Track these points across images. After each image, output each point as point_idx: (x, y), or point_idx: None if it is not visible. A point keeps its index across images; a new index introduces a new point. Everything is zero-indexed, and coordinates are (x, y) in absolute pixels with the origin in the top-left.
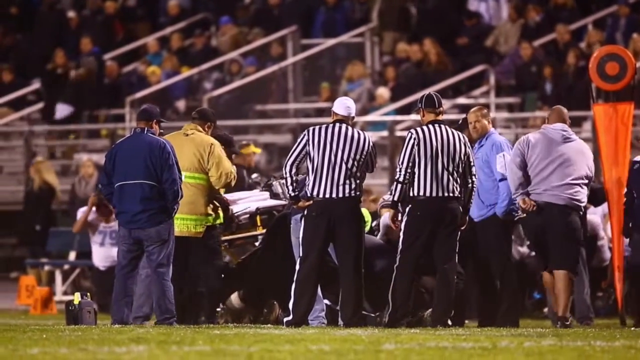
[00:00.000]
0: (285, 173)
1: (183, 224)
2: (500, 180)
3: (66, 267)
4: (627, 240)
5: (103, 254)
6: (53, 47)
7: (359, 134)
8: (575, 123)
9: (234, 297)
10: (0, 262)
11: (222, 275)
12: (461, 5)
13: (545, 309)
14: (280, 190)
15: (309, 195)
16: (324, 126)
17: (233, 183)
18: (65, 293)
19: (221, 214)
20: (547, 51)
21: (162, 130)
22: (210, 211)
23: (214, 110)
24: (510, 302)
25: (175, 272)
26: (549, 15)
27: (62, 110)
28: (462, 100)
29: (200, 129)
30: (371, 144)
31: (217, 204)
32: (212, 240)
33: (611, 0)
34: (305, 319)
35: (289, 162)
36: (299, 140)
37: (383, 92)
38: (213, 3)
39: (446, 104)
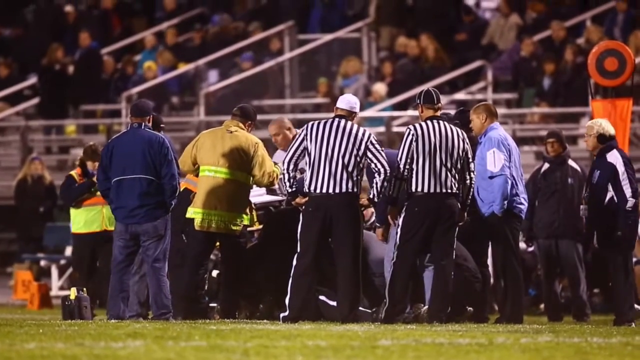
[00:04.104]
0: (283, 169)
1: (220, 220)
2: (491, 177)
3: (62, 262)
4: None
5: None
6: (50, 42)
7: (357, 129)
8: (574, 119)
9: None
10: None
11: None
12: (459, 0)
13: (542, 305)
14: (276, 186)
15: (306, 190)
16: (322, 121)
17: (276, 183)
18: (61, 288)
19: (253, 214)
20: (545, 47)
21: (163, 125)
22: (247, 210)
23: (212, 105)
24: (515, 299)
25: (192, 266)
26: (547, 11)
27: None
28: (459, 96)
29: (242, 126)
30: (371, 139)
31: (252, 204)
32: (242, 239)
33: None
34: (301, 314)
35: (287, 158)
36: (297, 135)
37: (380, 87)
38: None
39: (443, 99)
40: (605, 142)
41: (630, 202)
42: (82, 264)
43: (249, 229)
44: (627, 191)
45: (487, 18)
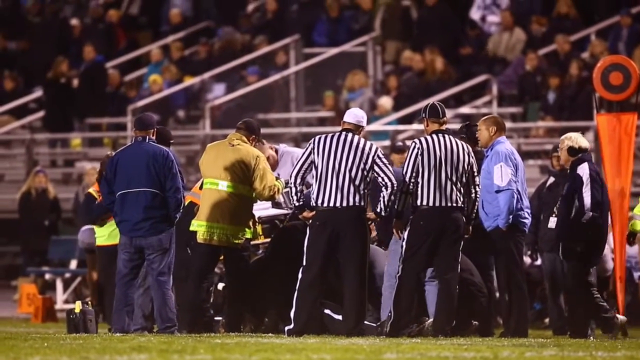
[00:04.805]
0: (291, 183)
1: (222, 233)
2: (497, 191)
3: (67, 275)
4: (633, 250)
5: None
6: (55, 55)
7: (364, 143)
8: None
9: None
10: (1, 270)
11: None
12: (464, 14)
13: (547, 320)
14: (282, 200)
15: (313, 204)
16: (329, 134)
17: (277, 196)
18: (66, 301)
19: (257, 228)
20: (549, 61)
21: (172, 141)
22: (249, 224)
23: (217, 119)
24: (520, 313)
25: (196, 279)
26: (552, 25)
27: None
28: (464, 110)
29: (246, 139)
30: (378, 153)
31: (255, 217)
32: (246, 252)
33: (614, 11)
34: (306, 327)
35: (295, 172)
36: (304, 149)
37: (385, 101)
38: (215, 12)
39: (449, 113)
40: (576, 155)
41: (587, 215)
42: (108, 276)
43: (253, 242)
44: (586, 204)
45: (492, 32)
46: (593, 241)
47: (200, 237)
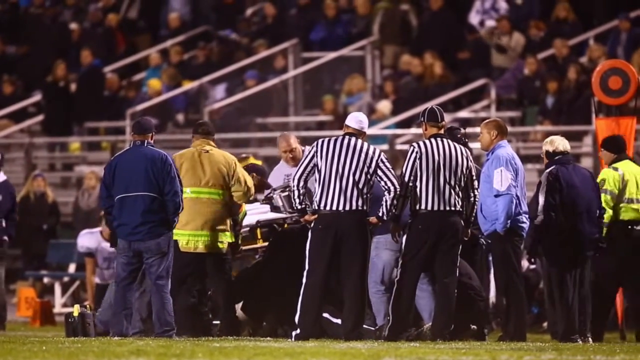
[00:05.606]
0: (293, 186)
1: (207, 240)
2: (497, 195)
3: (66, 279)
4: None
5: (107, 274)
6: (54, 59)
7: (368, 147)
8: (576, 138)
9: (237, 309)
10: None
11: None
12: (463, 19)
13: (545, 323)
14: (280, 204)
15: (316, 207)
16: (332, 138)
17: (252, 198)
18: (64, 305)
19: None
20: (548, 66)
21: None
22: (229, 228)
23: (216, 123)
24: (518, 317)
25: (181, 286)
26: (550, 30)
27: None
28: (463, 114)
29: (213, 143)
30: (382, 157)
31: (236, 221)
32: (229, 256)
33: (612, 15)
34: (311, 331)
35: (297, 175)
36: (307, 152)
37: (384, 105)
38: (214, 16)
39: (447, 117)
40: (552, 158)
41: (539, 217)
42: None
43: (252, 246)
44: (539, 208)
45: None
46: (564, 245)
47: (183, 246)
